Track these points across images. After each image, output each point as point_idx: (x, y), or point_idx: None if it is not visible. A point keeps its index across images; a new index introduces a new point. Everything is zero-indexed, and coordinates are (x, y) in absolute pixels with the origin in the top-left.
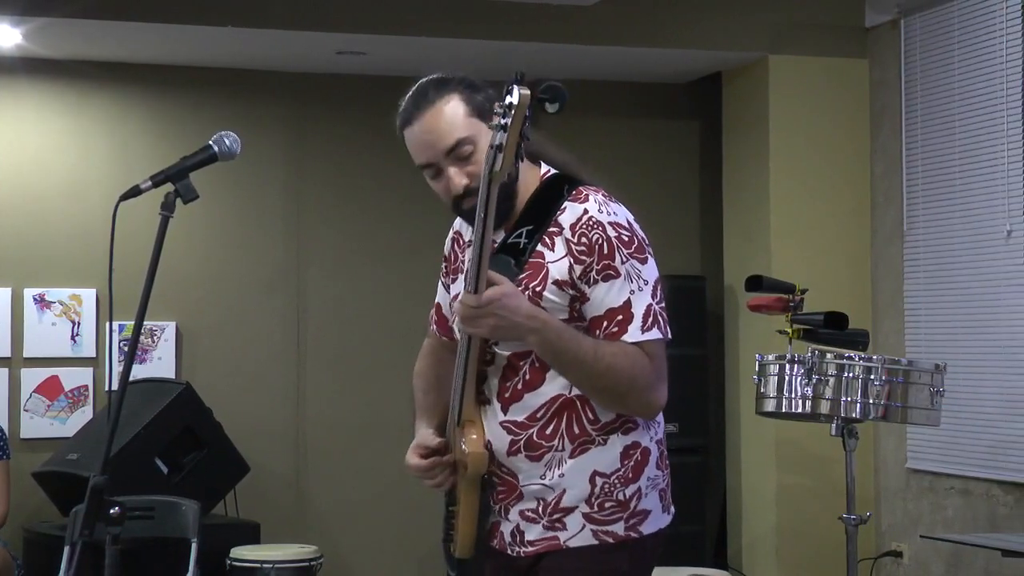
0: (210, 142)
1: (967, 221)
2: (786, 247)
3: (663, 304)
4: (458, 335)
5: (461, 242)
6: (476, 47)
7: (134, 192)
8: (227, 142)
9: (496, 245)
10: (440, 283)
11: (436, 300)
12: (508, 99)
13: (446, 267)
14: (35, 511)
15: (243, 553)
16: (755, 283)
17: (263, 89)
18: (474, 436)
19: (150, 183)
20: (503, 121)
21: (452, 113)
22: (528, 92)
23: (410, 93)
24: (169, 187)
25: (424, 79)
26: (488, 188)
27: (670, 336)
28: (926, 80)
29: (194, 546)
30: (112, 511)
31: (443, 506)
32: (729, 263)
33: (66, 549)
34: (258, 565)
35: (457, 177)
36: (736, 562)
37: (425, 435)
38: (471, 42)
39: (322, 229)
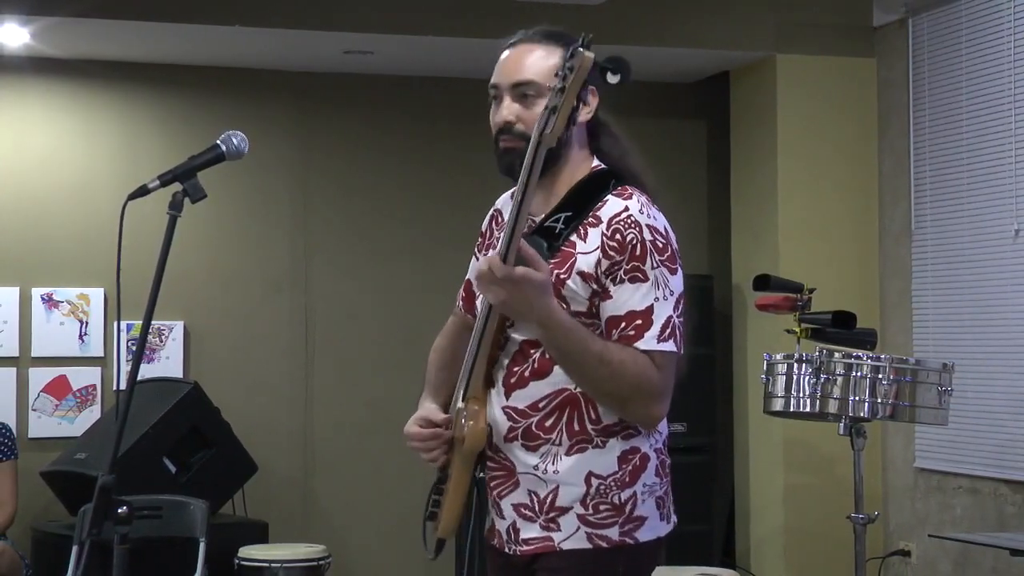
0: (218, 141)
1: (975, 220)
2: (794, 246)
3: (683, 319)
4: (479, 307)
5: (499, 220)
6: (483, 46)
7: (142, 191)
8: (235, 141)
9: (533, 226)
10: (473, 258)
11: (467, 277)
12: (570, 62)
13: (481, 242)
14: (43, 510)
15: (251, 552)
16: (763, 282)
17: (270, 88)
18: (477, 412)
19: (158, 182)
20: (562, 84)
21: (541, 57)
22: (591, 56)
23: (531, 28)
24: (177, 186)
25: (551, 26)
26: (536, 150)
27: (682, 352)
28: (934, 79)
29: (202, 545)
30: (120, 510)
31: (433, 485)
32: (737, 262)
33: (74, 548)
34: (266, 564)
35: (507, 110)
36: (744, 561)
37: (430, 408)
38: (478, 41)
39: (330, 228)
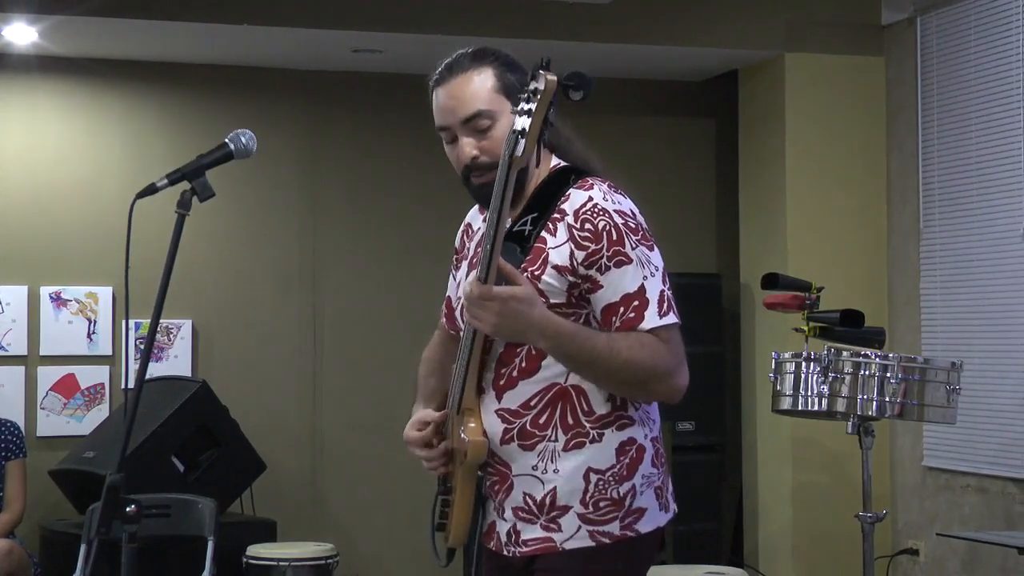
0: (226, 140)
1: (984, 219)
2: (802, 245)
3: (672, 290)
4: (461, 324)
5: (471, 232)
6: (493, 45)
7: (150, 190)
8: (243, 140)
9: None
10: (451, 277)
11: (447, 294)
12: (534, 84)
13: (456, 258)
14: (52, 509)
15: (259, 551)
16: (771, 281)
17: (279, 87)
18: (473, 424)
19: (166, 181)
20: (527, 106)
21: (480, 84)
22: (555, 78)
23: (448, 58)
24: (185, 185)
25: (466, 48)
26: (507, 173)
27: (680, 321)
28: (942, 78)
29: (210, 544)
30: (128, 509)
31: (437, 496)
32: (745, 261)
33: (83, 547)
34: (274, 563)
35: (468, 147)
36: (752, 560)
37: (424, 412)
38: (488, 40)
39: (337, 227)
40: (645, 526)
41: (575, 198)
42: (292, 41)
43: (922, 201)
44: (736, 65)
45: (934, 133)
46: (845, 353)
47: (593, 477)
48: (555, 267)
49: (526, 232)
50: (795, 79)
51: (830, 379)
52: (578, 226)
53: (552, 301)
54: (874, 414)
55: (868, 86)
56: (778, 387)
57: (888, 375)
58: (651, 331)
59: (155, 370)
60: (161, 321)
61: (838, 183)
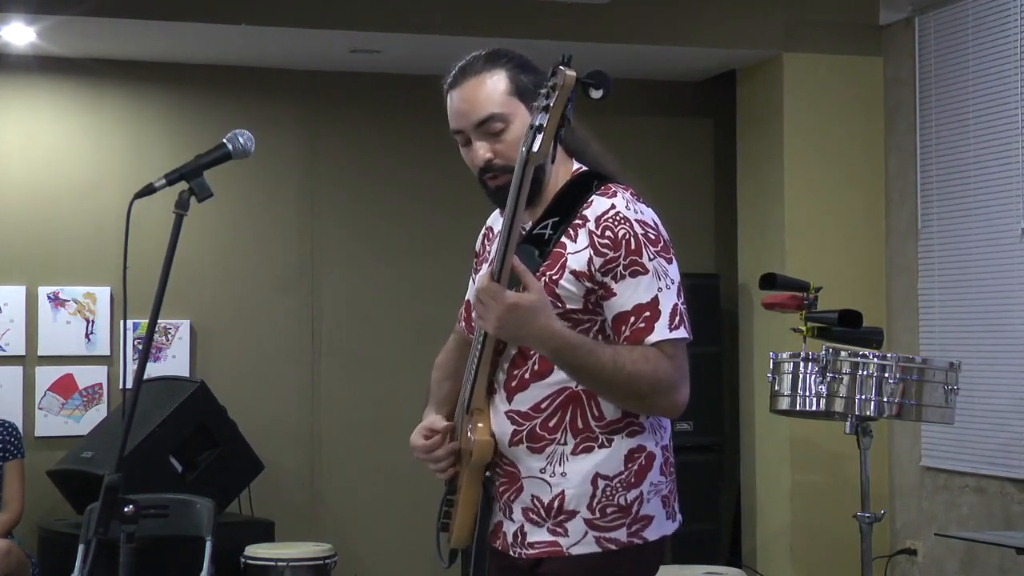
0: (224, 140)
1: (982, 219)
2: (800, 245)
3: (686, 305)
4: (475, 321)
5: (491, 236)
6: (490, 45)
7: (148, 190)
8: (241, 140)
9: (522, 235)
10: (471, 280)
11: (467, 297)
12: (553, 80)
13: (476, 262)
14: (50, 509)
15: (257, 551)
16: (769, 281)
17: (277, 87)
18: (481, 424)
19: (164, 181)
20: (546, 102)
21: (492, 87)
22: (573, 74)
23: (462, 60)
24: (183, 185)
25: (480, 50)
26: (523, 169)
27: (691, 338)
28: (940, 78)
29: (209, 544)
30: (126, 509)
31: (443, 496)
32: (743, 261)
33: (81, 547)
34: (272, 563)
35: (481, 150)
36: (750, 560)
37: (433, 419)
38: (485, 40)
39: (336, 227)
40: (652, 534)
41: (598, 205)
42: (290, 41)
43: (920, 201)
44: (734, 65)
45: (932, 133)
46: (843, 353)
47: (601, 483)
48: (573, 272)
49: (546, 236)
50: (793, 79)
51: (828, 379)
52: (598, 233)
53: (569, 306)
54: (872, 414)
55: (866, 86)
56: (776, 387)
57: (886, 375)
58: (658, 343)
59: (153, 370)
60: (159, 321)
61: (836, 183)
